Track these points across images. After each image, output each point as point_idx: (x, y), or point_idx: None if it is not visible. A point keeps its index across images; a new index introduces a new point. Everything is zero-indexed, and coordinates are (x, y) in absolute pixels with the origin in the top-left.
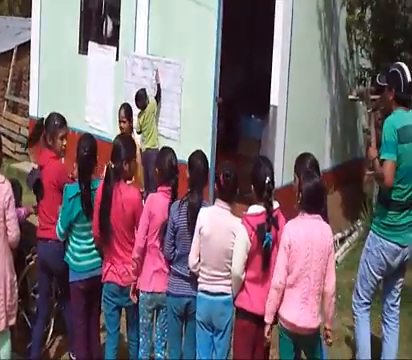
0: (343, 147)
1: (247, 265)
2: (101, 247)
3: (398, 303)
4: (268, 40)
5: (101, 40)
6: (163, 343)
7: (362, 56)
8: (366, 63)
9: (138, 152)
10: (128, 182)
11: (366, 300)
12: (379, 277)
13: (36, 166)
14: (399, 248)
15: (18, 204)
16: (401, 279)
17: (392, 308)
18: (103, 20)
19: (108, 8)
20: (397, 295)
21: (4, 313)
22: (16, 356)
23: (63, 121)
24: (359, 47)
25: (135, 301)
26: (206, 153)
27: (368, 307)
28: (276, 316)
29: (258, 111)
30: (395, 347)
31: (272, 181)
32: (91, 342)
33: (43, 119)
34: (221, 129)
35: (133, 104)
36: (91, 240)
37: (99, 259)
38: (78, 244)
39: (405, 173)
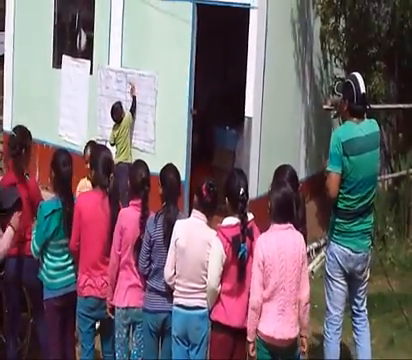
0: (318, 157)
1: (222, 277)
2: (77, 260)
3: (364, 308)
4: (242, 51)
5: (75, 53)
6: (139, 358)
7: (336, 66)
8: (340, 73)
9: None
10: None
11: (336, 313)
12: (340, 283)
13: None
14: (352, 253)
15: None
16: (361, 287)
17: (358, 313)
18: (77, 33)
19: (82, 21)
20: (360, 302)
21: None
22: None
23: (30, 135)
24: (333, 57)
25: (112, 317)
26: (181, 165)
27: (339, 325)
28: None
29: (233, 122)
30: (368, 347)
31: (246, 193)
32: (66, 359)
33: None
34: (196, 141)
35: (109, 116)
36: (65, 257)
37: (73, 275)
38: (53, 261)
39: (354, 184)
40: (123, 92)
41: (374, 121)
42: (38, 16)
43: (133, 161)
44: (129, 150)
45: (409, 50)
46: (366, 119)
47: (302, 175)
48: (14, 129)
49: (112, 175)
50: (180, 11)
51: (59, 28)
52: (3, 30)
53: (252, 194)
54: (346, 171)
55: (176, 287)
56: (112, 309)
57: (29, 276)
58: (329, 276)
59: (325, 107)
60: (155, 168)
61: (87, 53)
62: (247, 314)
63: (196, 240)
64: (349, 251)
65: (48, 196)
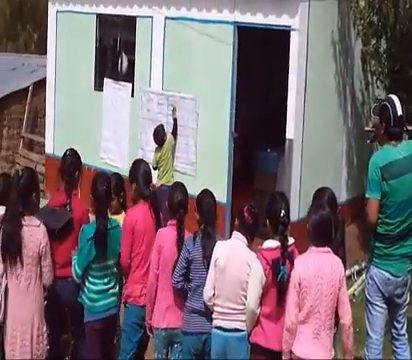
0: (359, 179)
1: (262, 300)
2: (126, 275)
3: (404, 332)
4: (283, 73)
5: (116, 76)
6: None
7: (377, 87)
8: (382, 94)
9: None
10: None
11: (376, 337)
12: (380, 307)
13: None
14: (391, 277)
15: None
16: (401, 310)
17: (398, 337)
18: (118, 56)
19: (123, 44)
20: (400, 325)
21: None
22: None
23: (79, 158)
24: (374, 78)
25: (151, 336)
26: (222, 188)
27: (379, 349)
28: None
29: (274, 145)
30: None
31: (287, 215)
32: None
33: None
34: (237, 164)
35: (150, 139)
36: (107, 280)
37: (114, 299)
38: (94, 285)
39: (394, 208)
40: (164, 115)
41: None
42: (80, 39)
43: None
44: (171, 173)
45: None
46: (404, 141)
47: (343, 197)
48: (67, 151)
49: (151, 185)
50: (221, 34)
51: (101, 51)
52: (45, 53)
53: (293, 217)
54: (385, 195)
55: (215, 308)
56: (151, 328)
57: (71, 298)
58: (369, 300)
59: (366, 129)
60: (196, 191)
61: (128, 76)
62: None
63: (236, 260)
64: (388, 275)
65: (92, 218)
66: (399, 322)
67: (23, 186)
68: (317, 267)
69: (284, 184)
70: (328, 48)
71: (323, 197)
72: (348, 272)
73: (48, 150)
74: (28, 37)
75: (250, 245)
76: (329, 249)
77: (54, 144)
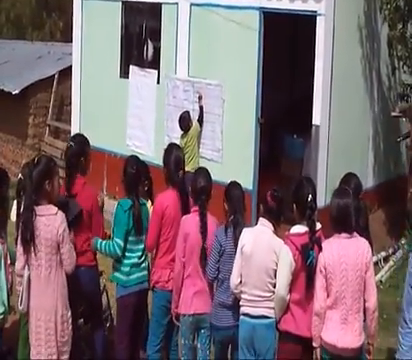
0: (386, 165)
1: (291, 287)
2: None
3: None
4: (309, 59)
5: (142, 63)
6: None
7: (404, 72)
8: (408, 79)
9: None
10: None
11: None
12: None
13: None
14: None
15: None
16: None
17: None
18: (144, 44)
19: (148, 31)
20: None
21: (55, 348)
22: None
23: (88, 142)
24: (401, 63)
25: (177, 324)
26: (248, 174)
27: None
28: None
29: (300, 131)
30: None
31: (314, 200)
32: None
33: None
34: (263, 150)
35: (176, 126)
36: (140, 253)
37: (146, 273)
38: (129, 259)
39: None
40: (190, 102)
41: None
42: (105, 27)
43: None
44: (197, 159)
45: None
46: None
47: (370, 183)
48: (72, 138)
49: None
50: (246, 19)
51: (126, 39)
52: (71, 41)
53: (320, 202)
54: None
55: (242, 295)
56: (177, 316)
57: (86, 286)
58: (411, 286)
59: (393, 114)
60: (223, 177)
61: (154, 63)
62: None
63: (262, 247)
64: None
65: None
66: None
67: (36, 174)
68: (341, 253)
69: (310, 170)
70: (354, 33)
71: (346, 183)
72: (375, 258)
73: None
74: (53, 25)
75: (277, 230)
76: (354, 234)
77: (80, 131)
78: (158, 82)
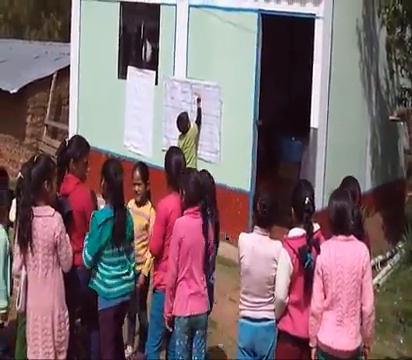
0: (384, 168)
1: (290, 288)
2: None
3: None
4: (308, 61)
5: (140, 64)
6: None
7: (402, 76)
8: (406, 83)
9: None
10: None
11: None
12: None
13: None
14: None
15: None
16: None
17: None
18: (142, 44)
19: (147, 32)
20: None
21: (52, 348)
22: None
23: (87, 145)
24: (399, 67)
25: (170, 330)
26: (246, 176)
27: None
28: None
29: (298, 133)
30: None
31: (312, 203)
32: None
33: (65, 142)
34: (261, 152)
35: (174, 127)
36: (120, 266)
37: (129, 285)
38: (108, 271)
39: None
40: (188, 103)
41: None
42: (103, 27)
43: None
44: (195, 161)
45: None
46: None
47: (367, 186)
48: (70, 140)
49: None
50: (245, 21)
51: (124, 39)
52: (69, 41)
53: (318, 205)
54: None
55: (243, 301)
56: (170, 321)
57: (82, 285)
58: None
59: (391, 118)
60: (220, 179)
61: (152, 64)
62: None
63: (260, 258)
64: None
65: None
66: None
67: (35, 173)
68: (338, 255)
69: (308, 172)
70: (352, 36)
71: (345, 186)
72: (372, 262)
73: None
74: (52, 25)
75: (272, 233)
76: (350, 237)
77: (78, 132)
78: (156, 83)
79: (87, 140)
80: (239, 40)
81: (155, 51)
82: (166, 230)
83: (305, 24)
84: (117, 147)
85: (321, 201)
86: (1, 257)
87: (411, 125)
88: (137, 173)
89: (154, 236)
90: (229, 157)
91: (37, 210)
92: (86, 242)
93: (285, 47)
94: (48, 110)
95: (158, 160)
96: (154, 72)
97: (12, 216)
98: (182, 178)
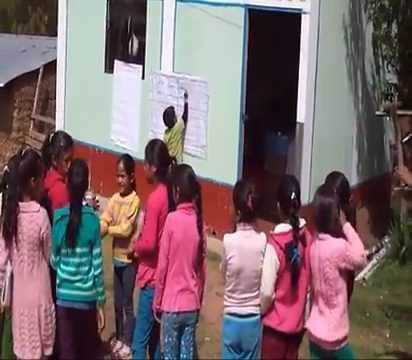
0: (370, 163)
1: (276, 284)
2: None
3: None
4: (294, 56)
5: (127, 59)
6: None
7: (388, 71)
8: (393, 78)
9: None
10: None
11: None
12: None
13: None
14: None
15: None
16: None
17: None
18: (129, 38)
19: (134, 26)
20: None
21: (39, 342)
22: None
23: (69, 141)
24: (385, 62)
25: (158, 321)
26: (232, 170)
27: None
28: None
29: (284, 128)
30: None
31: (298, 198)
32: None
33: (49, 138)
34: (247, 146)
35: (161, 121)
36: (73, 270)
37: (80, 293)
38: (61, 270)
39: None
40: (175, 97)
41: None
42: (90, 22)
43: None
44: (181, 156)
45: None
46: None
47: (354, 181)
48: (54, 135)
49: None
50: (232, 16)
51: (111, 33)
52: (56, 35)
53: (304, 200)
54: None
55: (229, 298)
56: (159, 314)
57: None
58: None
59: (377, 113)
60: (207, 173)
61: (139, 58)
62: (300, 320)
63: (250, 254)
64: None
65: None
66: None
67: (22, 168)
68: (314, 252)
69: (294, 167)
70: (339, 31)
71: (332, 182)
72: None
73: None
74: (39, 19)
75: (256, 227)
76: (333, 234)
77: (64, 126)
78: (143, 77)
79: (74, 134)
80: (226, 35)
81: (142, 45)
82: (159, 223)
83: (292, 19)
84: (104, 141)
85: (307, 196)
86: None
87: (397, 120)
88: (121, 165)
89: (149, 230)
90: (216, 152)
91: (23, 206)
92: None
93: (272, 42)
94: (35, 104)
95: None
96: (141, 66)
97: None
98: (175, 173)
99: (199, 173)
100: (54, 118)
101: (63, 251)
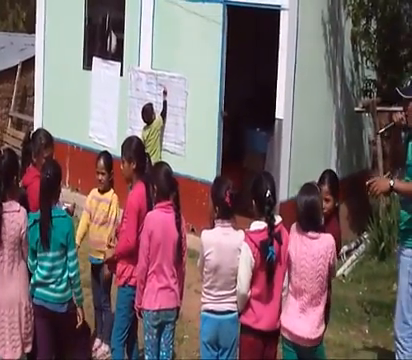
0: (349, 159)
1: (251, 282)
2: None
3: None
4: (273, 53)
5: (105, 55)
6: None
7: (367, 67)
8: (372, 74)
9: None
10: None
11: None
12: None
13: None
14: None
15: None
16: None
17: None
18: (107, 35)
19: (112, 23)
20: None
21: (20, 341)
22: None
23: (49, 139)
24: (364, 58)
25: (139, 319)
26: (211, 167)
27: None
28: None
29: (263, 124)
30: None
31: (273, 195)
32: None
33: (29, 135)
34: (226, 143)
35: (139, 118)
36: (46, 273)
37: (53, 295)
38: (36, 273)
39: None
40: (153, 94)
41: None
42: (68, 18)
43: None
44: (159, 153)
45: None
46: None
47: None
48: (34, 132)
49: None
50: (210, 12)
51: (89, 30)
52: (34, 32)
53: (282, 196)
54: None
55: (206, 295)
56: (140, 312)
57: None
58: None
59: (356, 109)
60: (186, 170)
61: (117, 55)
62: (277, 317)
63: (228, 251)
64: None
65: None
66: None
67: (4, 168)
68: (304, 250)
69: (273, 164)
70: (318, 28)
71: (321, 180)
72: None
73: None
74: (17, 16)
75: (234, 223)
76: (318, 234)
77: (43, 123)
78: (121, 74)
79: (52, 131)
80: (204, 31)
81: (120, 42)
82: (139, 221)
83: (270, 15)
84: (82, 139)
85: (286, 192)
86: None
87: (376, 116)
88: (101, 162)
89: (129, 227)
90: (194, 148)
91: (5, 205)
92: None
93: (250, 38)
94: (13, 101)
95: None
96: (119, 63)
97: None
98: (152, 171)
99: (178, 170)
100: (32, 115)
101: (41, 254)
